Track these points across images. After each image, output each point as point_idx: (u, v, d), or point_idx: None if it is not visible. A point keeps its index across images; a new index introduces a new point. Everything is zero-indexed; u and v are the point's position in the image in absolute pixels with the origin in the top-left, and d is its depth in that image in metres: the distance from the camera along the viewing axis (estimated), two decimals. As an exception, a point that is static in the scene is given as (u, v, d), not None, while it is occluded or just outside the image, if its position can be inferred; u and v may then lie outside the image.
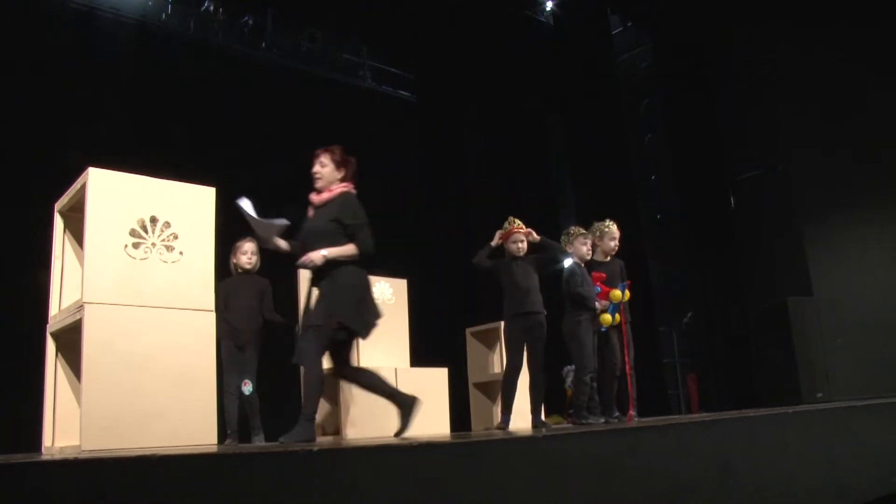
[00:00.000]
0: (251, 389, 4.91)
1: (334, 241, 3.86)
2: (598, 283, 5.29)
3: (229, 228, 4.27)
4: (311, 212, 4.09)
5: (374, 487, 2.11)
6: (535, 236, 5.09)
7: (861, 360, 7.85)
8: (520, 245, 5.10)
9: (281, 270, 5.00)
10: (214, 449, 2.89)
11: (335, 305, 3.75)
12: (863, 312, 8.00)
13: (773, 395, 7.49)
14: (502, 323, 5.26)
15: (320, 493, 2.00)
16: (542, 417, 5.08)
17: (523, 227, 5.14)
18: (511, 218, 5.20)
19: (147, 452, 1.94)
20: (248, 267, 5.06)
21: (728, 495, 3.27)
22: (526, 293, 5.01)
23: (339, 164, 4.05)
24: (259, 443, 4.77)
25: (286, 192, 7.78)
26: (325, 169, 4.06)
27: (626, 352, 5.44)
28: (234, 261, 5.10)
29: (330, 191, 4.02)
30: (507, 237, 5.12)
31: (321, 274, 3.85)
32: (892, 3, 8.00)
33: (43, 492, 1.69)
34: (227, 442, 4.67)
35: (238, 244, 5.11)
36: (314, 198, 4.09)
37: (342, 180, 4.07)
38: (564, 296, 5.27)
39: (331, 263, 3.82)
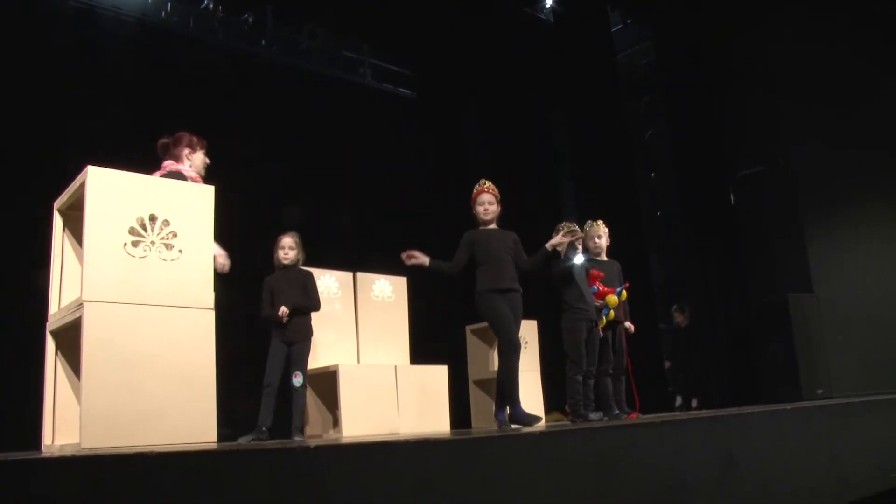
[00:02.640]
0: (301, 382, 4.88)
1: None
2: (597, 283, 5.24)
3: (228, 227, 4.27)
4: None
5: (374, 484, 2.11)
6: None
7: (861, 356, 7.86)
8: (487, 207, 4.60)
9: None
10: (213, 446, 2.89)
11: None
12: (863, 309, 8.01)
13: (774, 392, 7.49)
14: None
15: (319, 491, 2.00)
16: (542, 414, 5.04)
17: (494, 188, 4.69)
18: (482, 180, 4.73)
19: (146, 450, 1.94)
20: (285, 262, 5.04)
21: (728, 491, 3.27)
22: (505, 265, 4.50)
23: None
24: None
25: (286, 189, 7.85)
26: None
27: (626, 351, 5.45)
28: (275, 255, 5.06)
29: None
30: (474, 201, 4.66)
31: None
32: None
33: (43, 489, 1.70)
34: (251, 438, 4.64)
35: (278, 238, 5.08)
36: None
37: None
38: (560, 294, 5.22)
39: None
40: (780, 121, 8.88)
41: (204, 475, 1.85)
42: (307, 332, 4.98)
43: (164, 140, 4.23)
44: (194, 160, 4.24)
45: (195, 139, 4.24)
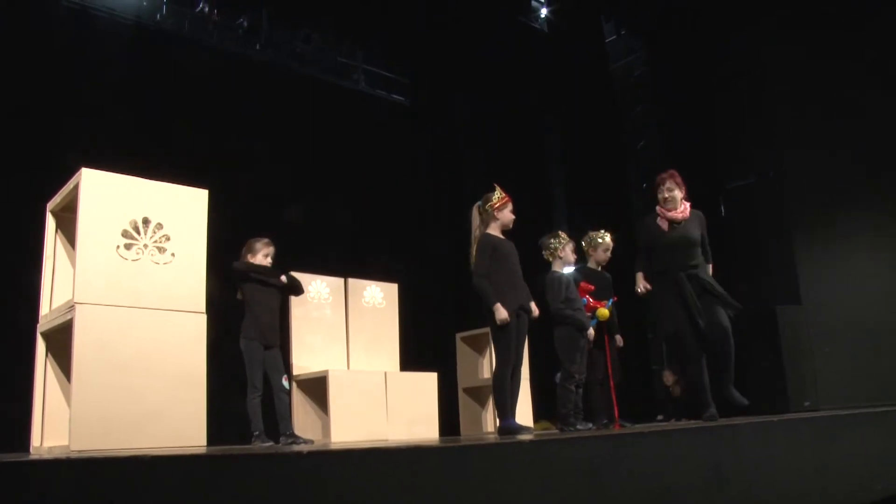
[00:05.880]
0: (288, 384, 4.92)
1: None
2: (585, 296, 5.21)
3: (221, 230, 4.28)
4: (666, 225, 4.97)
5: (363, 491, 2.12)
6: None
7: (848, 368, 7.89)
8: (513, 217, 4.58)
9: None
10: (204, 450, 2.89)
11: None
12: (851, 321, 8.04)
13: (762, 403, 7.52)
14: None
15: (310, 496, 2.01)
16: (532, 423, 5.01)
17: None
18: (497, 187, 4.61)
19: (139, 453, 1.94)
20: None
21: (715, 501, 3.29)
22: (520, 278, 4.50)
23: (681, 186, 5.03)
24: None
25: (280, 192, 7.86)
26: (674, 192, 4.99)
27: (608, 361, 5.43)
28: (252, 260, 4.94)
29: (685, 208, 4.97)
30: (500, 207, 4.55)
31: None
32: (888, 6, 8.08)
33: (32, 492, 1.70)
34: (255, 442, 4.63)
35: (265, 243, 5.02)
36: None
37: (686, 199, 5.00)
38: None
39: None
40: (771, 132, 8.93)
41: (197, 480, 1.85)
42: (280, 338, 5.03)
43: None
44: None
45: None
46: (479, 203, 4.65)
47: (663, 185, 5.06)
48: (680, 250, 4.86)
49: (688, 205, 5.04)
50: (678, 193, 5.01)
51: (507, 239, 4.60)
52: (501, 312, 4.28)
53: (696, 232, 4.92)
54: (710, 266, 5.02)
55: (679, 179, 5.09)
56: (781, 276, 8.39)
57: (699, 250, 4.90)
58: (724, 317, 4.76)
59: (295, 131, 8.33)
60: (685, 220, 4.95)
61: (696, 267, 4.85)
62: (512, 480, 2.55)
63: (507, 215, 4.56)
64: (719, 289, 4.83)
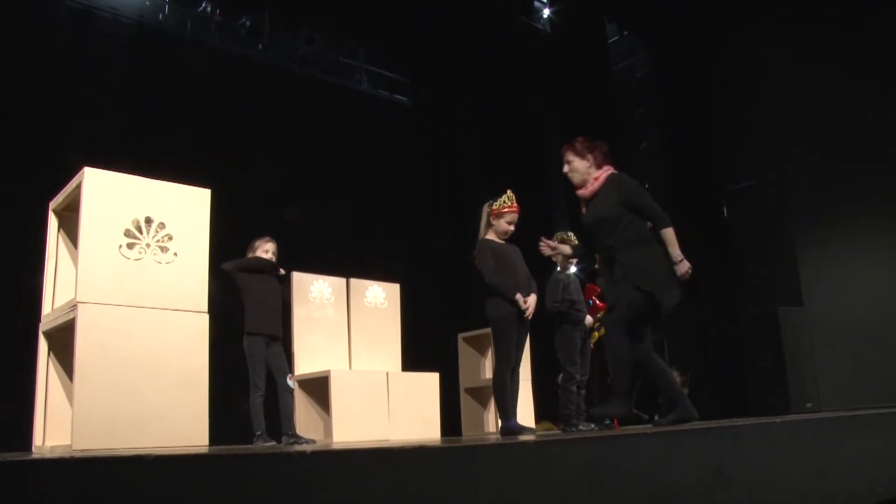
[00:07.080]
0: (292, 383, 4.91)
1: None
2: (592, 297, 5.19)
3: (224, 230, 4.28)
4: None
5: (364, 491, 2.12)
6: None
7: (850, 370, 7.89)
8: (513, 227, 4.54)
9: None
10: (206, 450, 2.89)
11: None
12: (853, 323, 8.03)
13: (764, 405, 7.52)
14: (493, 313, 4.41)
15: (312, 496, 2.01)
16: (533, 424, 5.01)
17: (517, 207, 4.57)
18: (510, 193, 4.58)
19: (141, 453, 1.94)
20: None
21: (716, 502, 3.28)
22: (527, 281, 4.49)
23: (584, 155, 4.06)
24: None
25: (282, 193, 7.86)
26: (574, 163, 4.09)
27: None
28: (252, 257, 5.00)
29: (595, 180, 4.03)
30: (498, 214, 4.53)
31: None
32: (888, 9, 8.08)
33: (33, 491, 1.70)
34: (257, 442, 4.63)
35: (256, 242, 5.03)
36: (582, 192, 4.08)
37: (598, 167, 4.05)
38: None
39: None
40: (773, 134, 8.93)
41: (199, 479, 1.85)
42: (283, 332, 5.01)
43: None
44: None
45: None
46: (489, 201, 4.63)
47: (563, 159, 4.23)
48: (593, 233, 4.06)
49: (606, 171, 4.08)
50: (581, 164, 4.11)
51: (507, 243, 4.58)
52: (527, 301, 4.29)
53: (609, 207, 3.96)
54: (668, 231, 3.92)
55: (581, 147, 4.13)
56: (783, 277, 8.39)
57: (617, 228, 3.91)
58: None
59: (296, 131, 8.34)
60: (595, 195, 4.06)
61: (612, 248, 3.92)
62: (513, 481, 2.55)
63: (502, 224, 4.52)
64: (635, 275, 3.82)
